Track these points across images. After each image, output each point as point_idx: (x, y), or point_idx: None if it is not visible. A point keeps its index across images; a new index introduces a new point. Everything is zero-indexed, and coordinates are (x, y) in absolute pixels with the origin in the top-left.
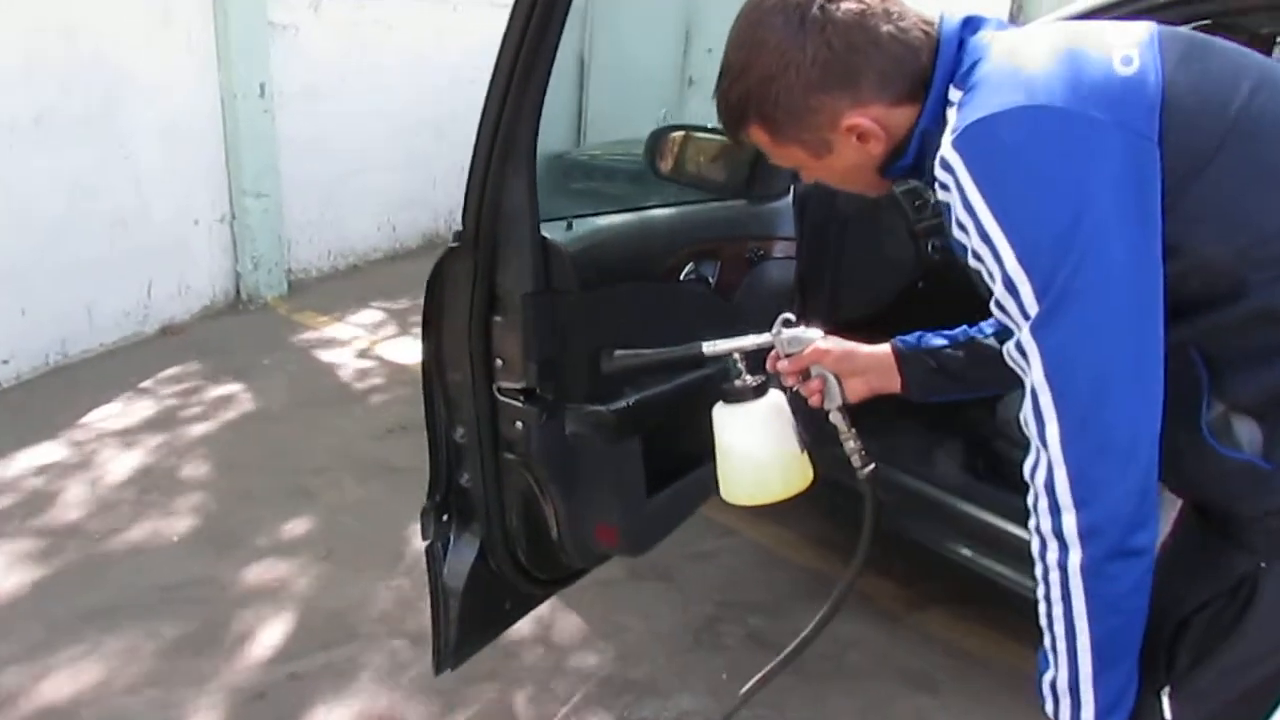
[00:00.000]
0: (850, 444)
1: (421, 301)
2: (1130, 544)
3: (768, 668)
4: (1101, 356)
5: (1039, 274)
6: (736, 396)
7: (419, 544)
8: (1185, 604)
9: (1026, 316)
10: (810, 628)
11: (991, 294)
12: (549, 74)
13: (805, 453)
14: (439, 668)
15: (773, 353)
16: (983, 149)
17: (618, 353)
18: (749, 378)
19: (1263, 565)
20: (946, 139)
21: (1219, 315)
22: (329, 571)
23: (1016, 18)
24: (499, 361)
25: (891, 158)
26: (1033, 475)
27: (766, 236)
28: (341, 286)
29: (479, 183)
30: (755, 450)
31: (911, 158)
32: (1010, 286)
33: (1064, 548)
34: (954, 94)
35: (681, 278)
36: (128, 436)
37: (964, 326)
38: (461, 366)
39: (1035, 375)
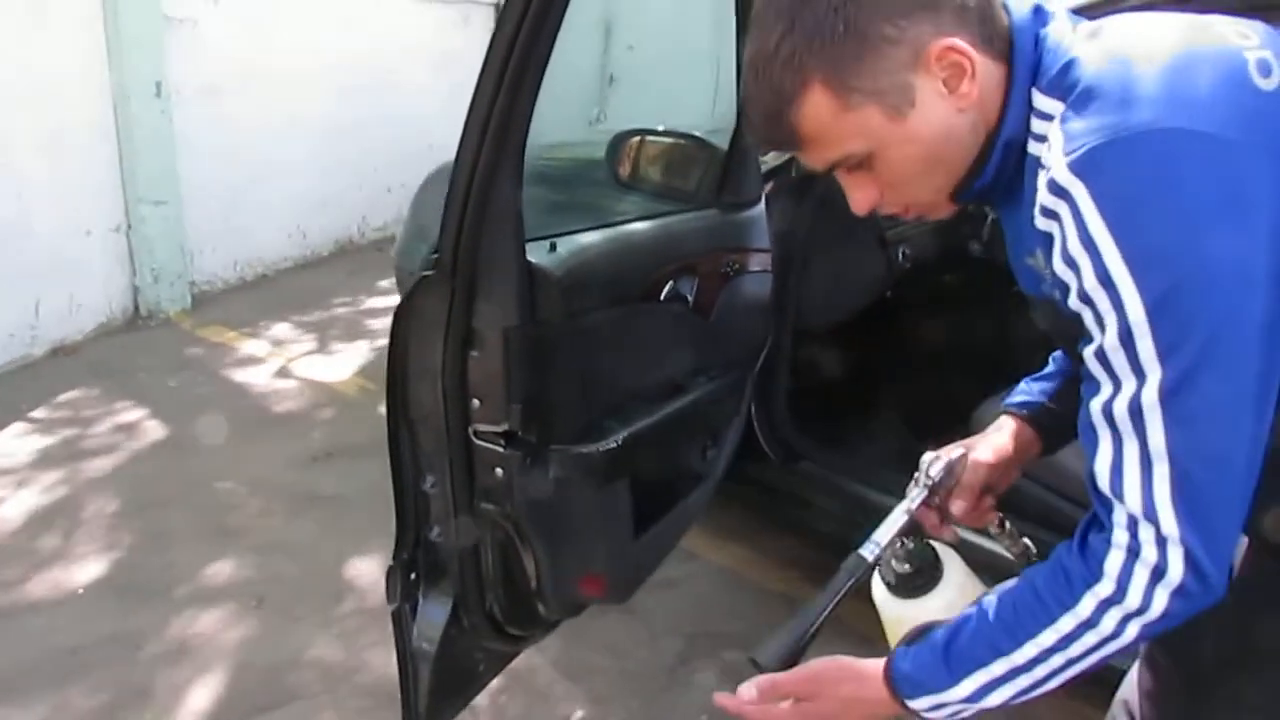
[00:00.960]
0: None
1: (337, 313)
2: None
3: None
4: (1231, 433)
5: (1168, 332)
6: (917, 586)
7: (361, 583)
8: None
9: (1140, 375)
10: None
11: (1078, 337)
12: (541, 82)
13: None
14: None
15: (922, 511)
16: (1114, 179)
17: (769, 641)
18: (907, 544)
19: None
20: (1058, 160)
21: None
22: (262, 621)
23: None
24: (476, 402)
25: (972, 170)
26: (1129, 537)
27: (742, 248)
28: (251, 299)
29: (459, 203)
30: None
31: (993, 173)
32: (1127, 339)
33: (1143, 609)
34: (1046, 103)
35: (662, 298)
36: (20, 474)
37: (1059, 355)
38: (433, 409)
39: (1154, 445)
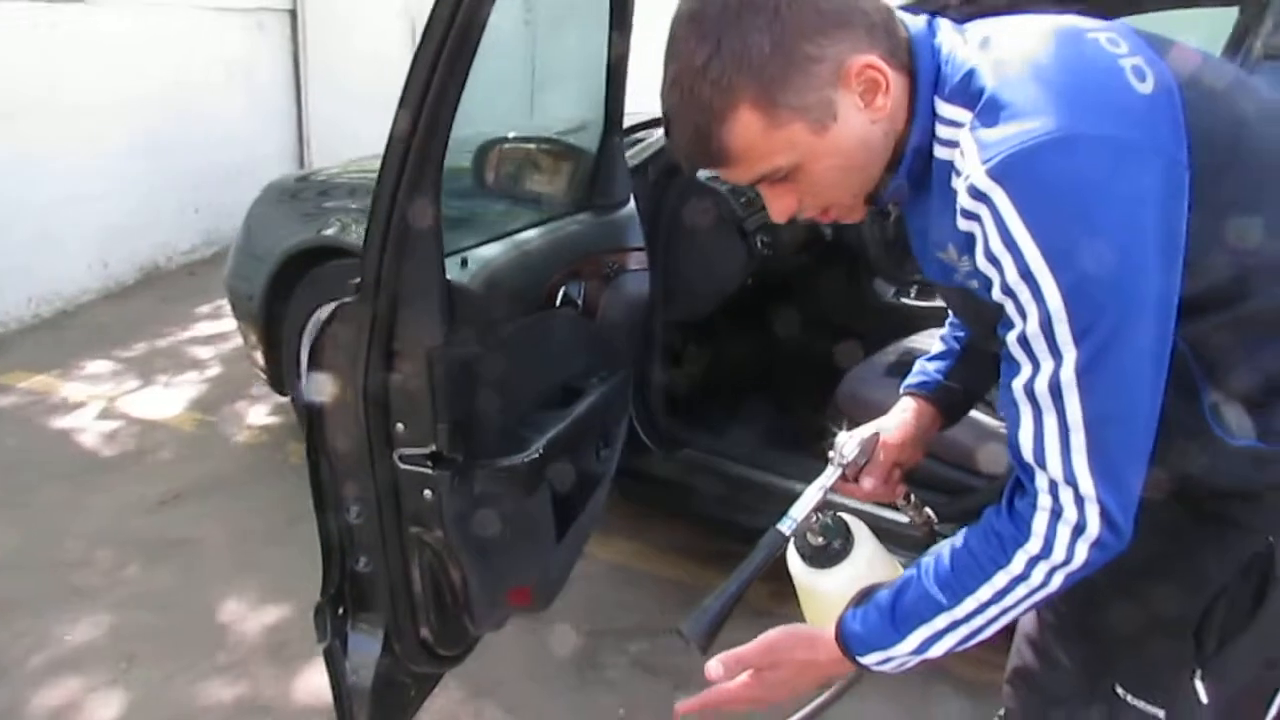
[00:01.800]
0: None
1: (156, 345)
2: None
3: None
4: (1136, 398)
5: (1082, 318)
6: (830, 558)
7: (239, 627)
8: (1204, 593)
9: (1058, 356)
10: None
11: (988, 319)
12: (459, 103)
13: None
14: None
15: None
16: (1029, 183)
17: (692, 615)
18: (821, 518)
19: (1272, 540)
20: (976, 167)
21: (1218, 317)
22: (137, 682)
23: None
24: (399, 426)
25: (884, 174)
26: (1051, 499)
27: (620, 248)
28: (54, 337)
29: (382, 226)
30: None
31: (904, 176)
32: (1047, 326)
33: (1067, 560)
34: (951, 110)
35: (557, 303)
36: None
37: (948, 335)
38: (355, 437)
39: (1071, 416)
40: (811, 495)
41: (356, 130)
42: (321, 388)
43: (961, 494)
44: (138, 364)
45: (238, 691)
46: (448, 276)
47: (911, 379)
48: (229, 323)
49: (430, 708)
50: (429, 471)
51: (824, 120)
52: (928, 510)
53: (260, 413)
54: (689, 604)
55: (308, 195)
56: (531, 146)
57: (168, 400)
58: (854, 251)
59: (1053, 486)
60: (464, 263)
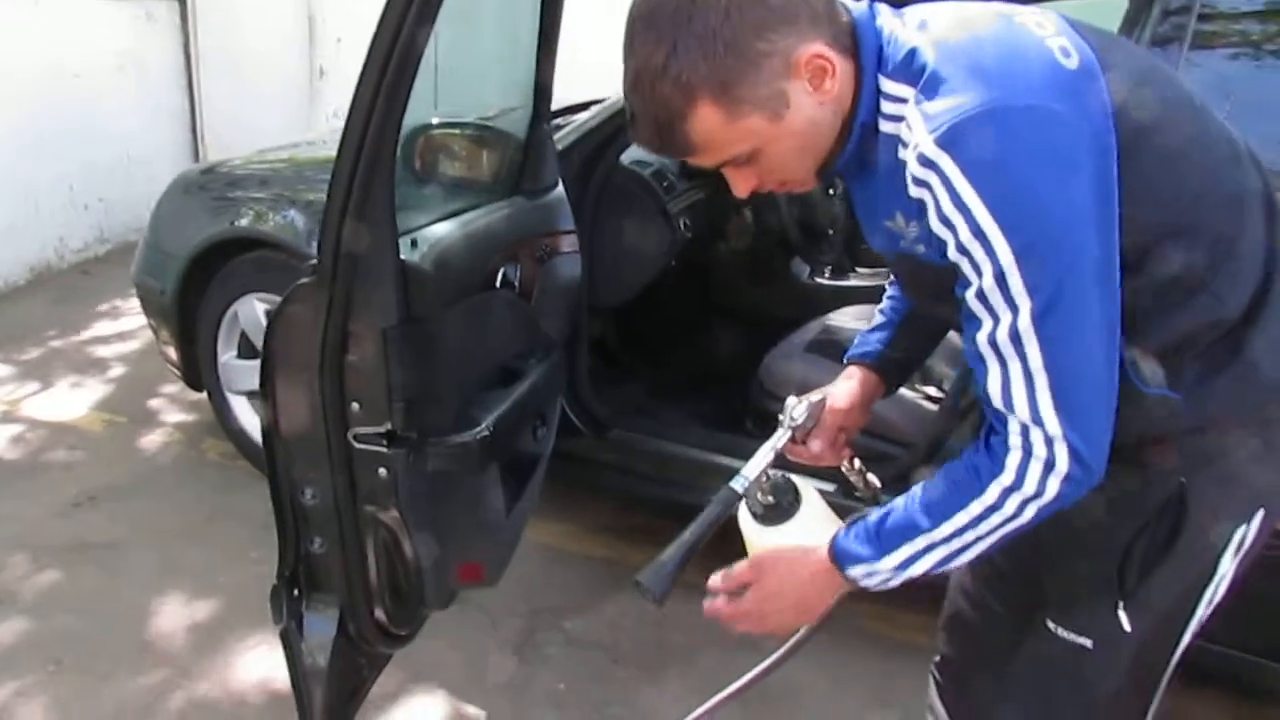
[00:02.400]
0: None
1: (53, 346)
2: (1088, 483)
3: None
4: (1091, 340)
5: (1032, 270)
6: (778, 514)
7: (168, 625)
8: (1123, 532)
9: (1014, 308)
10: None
11: (934, 283)
12: (412, 88)
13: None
14: None
15: (788, 448)
16: (973, 148)
17: (648, 568)
18: (771, 477)
19: (1184, 481)
20: (924, 137)
21: (1140, 278)
22: (66, 685)
23: None
24: (354, 406)
25: (834, 150)
26: (1022, 440)
27: (552, 232)
28: None
29: (338, 209)
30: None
31: (852, 151)
32: (1001, 280)
33: (1039, 494)
34: (894, 87)
35: (498, 285)
36: None
37: (887, 308)
38: (310, 418)
39: (1033, 362)
40: (763, 455)
41: (252, 122)
42: (277, 369)
43: (881, 461)
44: (36, 367)
45: (171, 689)
46: (405, 259)
47: (855, 349)
48: (130, 321)
49: (373, 690)
50: (384, 450)
51: (778, 109)
52: (871, 476)
53: (173, 410)
54: (620, 581)
55: (216, 187)
56: (460, 132)
57: (73, 402)
58: (773, 234)
59: (1023, 429)
60: (414, 243)
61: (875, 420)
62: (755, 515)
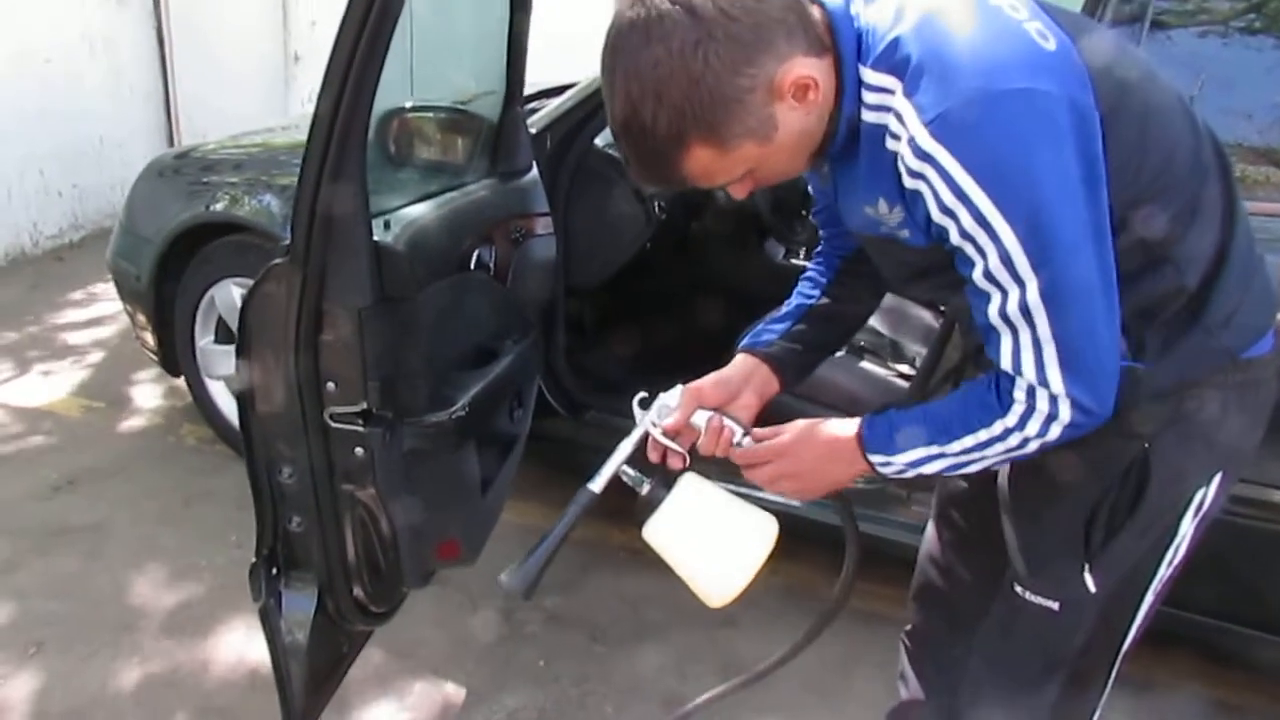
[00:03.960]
0: None
1: (30, 331)
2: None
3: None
4: (1094, 304)
5: (1036, 248)
6: (651, 508)
7: (150, 606)
8: (1089, 494)
9: (1021, 283)
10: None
11: (912, 262)
12: (381, 70)
13: (747, 500)
14: None
15: (650, 443)
16: (968, 138)
17: (513, 567)
18: (647, 482)
19: (1148, 445)
20: (918, 129)
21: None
22: (47, 667)
23: None
24: (330, 385)
25: (821, 144)
26: (1027, 396)
27: (527, 214)
28: None
29: (311, 188)
30: (708, 545)
31: (839, 144)
32: (1007, 260)
33: (1041, 435)
34: (878, 78)
35: (472, 266)
36: None
37: (796, 299)
38: (286, 397)
39: (1041, 331)
40: (621, 451)
41: (226, 107)
42: (253, 350)
43: None
44: (12, 352)
45: (152, 669)
46: (378, 240)
47: (748, 338)
48: (106, 307)
49: (355, 670)
50: (360, 429)
51: (768, 132)
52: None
53: (150, 395)
54: (597, 559)
55: (191, 171)
56: (433, 115)
57: (50, 387)
58: (747, 215)
59: (1029, 389)
60: (387, 225)
61: (848, 399)
62: (640, 522)
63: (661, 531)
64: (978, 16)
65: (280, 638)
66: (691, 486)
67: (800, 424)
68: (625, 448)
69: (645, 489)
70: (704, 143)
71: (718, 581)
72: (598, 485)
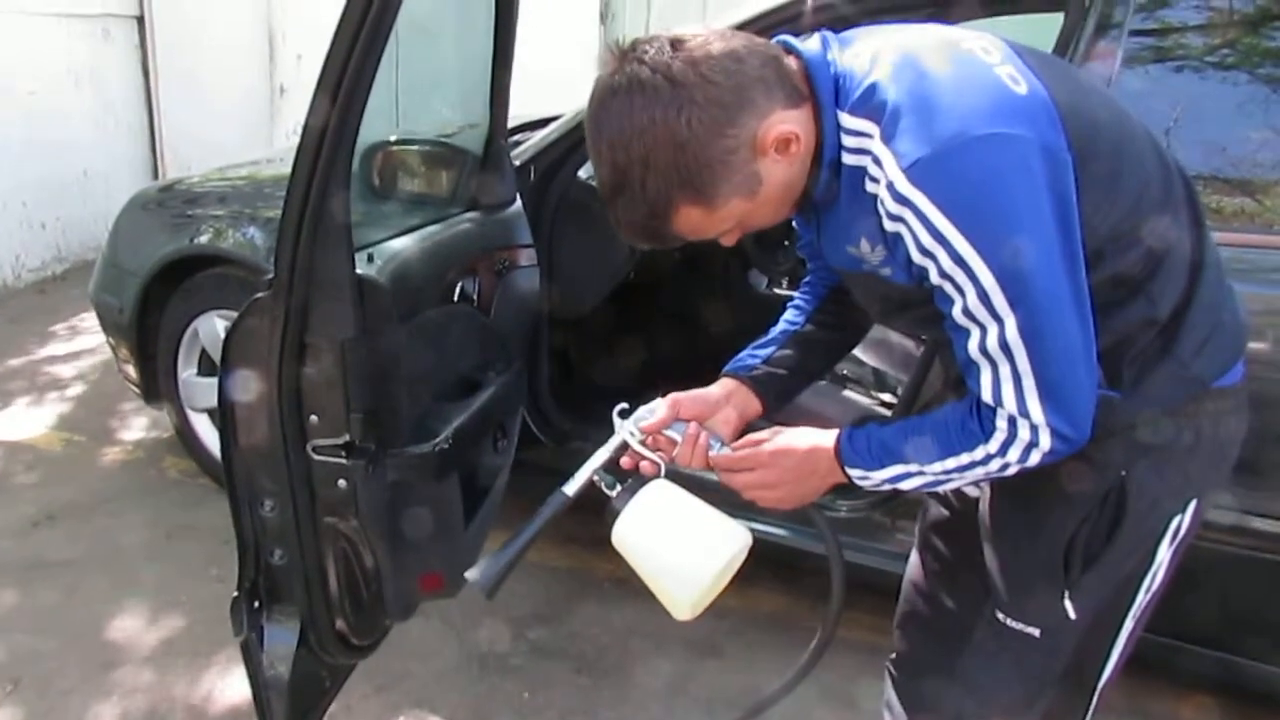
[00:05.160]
0: None
1: (10, 364)
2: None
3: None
4: (1070, 338)
5: (1013, 286)
6: (619, 511)
7: (131, 643)
8: (1068, 523)
9: (999, 320)
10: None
11: (894, 297)
12: (365, 103)
13: (719, 511)
14: None
15: (628, 452)
16: (944, 183)
17: (481, 563)
18: (619, 487)
19: (1124, 473)
20: (896, 174)
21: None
22: (25, 704)
23: (605, 16)
24: (313, 418)
25: (806, 189)
26: (1008, 426)
27: (510, 246)
28: None
29: (295, 223)
30: (674, 546)
31: (825, 187)
32: (985, 299)
33: (1022, 461)
34: (856, 122)
35: (455, 299)
36: None
37: (781, 326)
38: (268, 430)
39: (1020, 365)
40: (598, 457)
41: (212, 139)
42: (235, 383)
43: None
44: None
45: (131, 706)
46: (361, 273)
47: (732, 363)
48: (88, 340)
49: (337, 703)
50: (343, 461)
51: (754, 187)
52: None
53: (133, 428)
54: (582, 590)
55: (175, 204)
56: (417, 148)
57: (30, 421)
58: (730, 246)
59: (1011, 420)
60: (370, 258)
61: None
62: (610, 523)
63: (625, 532)
64: (951, 61)
65: (262, 672)
66: (659, 488)
67: (779, 434)
68: (602, 454)
69: (616, 493)
70: (692, 203)
71: (681, 585)
72: (571, 489)
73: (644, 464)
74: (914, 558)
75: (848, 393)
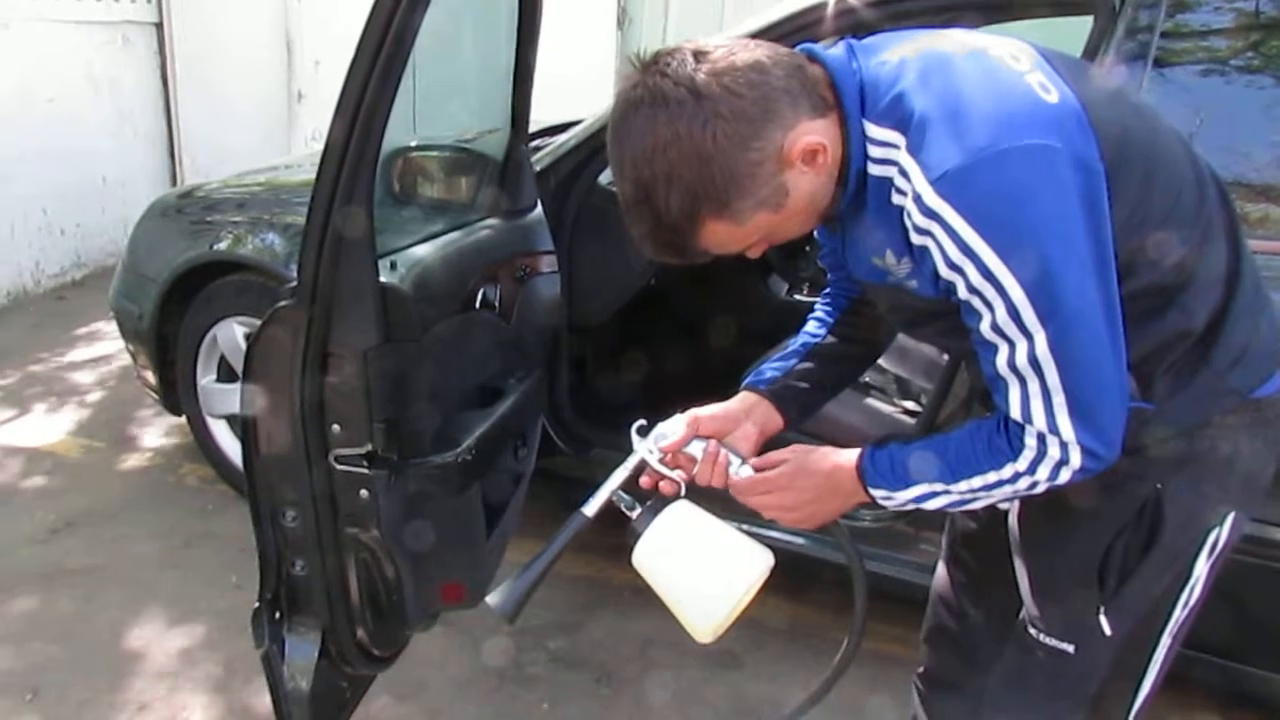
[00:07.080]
0: None
1: (31, 371)
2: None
3: None
4: (1101, 353)
5: (1043, 301)
6: (640, 533)
7: (149, 651)
8: (1103, 536)
9: (1029, 336)
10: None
11: (916, 308)
12: (390, 111)
13: (742, 531)
14: None
15: (647, 471)
16: (973, 196)
17: (501, 588)
18: (639, 507)
19: (1159, 486)
20: (924, 187)
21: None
22: (44, 713)
23: (622, 22)
24: (335, 427)
25: (834, 198)
26: (1038, 443)
27: (531, 252)
28: None
29: (318, 232)
30: (695, 573)
31: (851, 197)
32: (1014, 314)
33: (1052, 479)
34: (881, 132)
35: (477, 306)
36: None
37: (802, 338)
38: (291, 440)
39: (1050, 382)
40: (617, 477)
41: (231, 145)
42: (257, 393)
43: None
44: (12, 392)
45: (150, 717)
46: (385, 281)
47: (750, 376)
48: (108, 346)
49: (357, 714)
50: (365, 471)
51: (780, 200)
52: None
53: (152, 435)
54: (601, 599)
55: (194, 211)
56: (438, 154)
57: (50, 427)
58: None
59: (1040, 437)
60: (393, 265)
61: (852, 436)
62: (631, 545)
63: (647, 555)
64: (979, 69)
65: (283, 685)
66: (680, 511)
67: (799, 453)
68: (621, 474)
69: (636, 513)
70: (718, 218)
71: (702, 610)
72: (591, 509)
73: (663, 483)
74: (941, 570)
75: (870, 400)
